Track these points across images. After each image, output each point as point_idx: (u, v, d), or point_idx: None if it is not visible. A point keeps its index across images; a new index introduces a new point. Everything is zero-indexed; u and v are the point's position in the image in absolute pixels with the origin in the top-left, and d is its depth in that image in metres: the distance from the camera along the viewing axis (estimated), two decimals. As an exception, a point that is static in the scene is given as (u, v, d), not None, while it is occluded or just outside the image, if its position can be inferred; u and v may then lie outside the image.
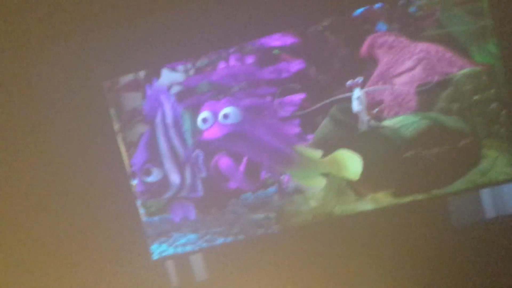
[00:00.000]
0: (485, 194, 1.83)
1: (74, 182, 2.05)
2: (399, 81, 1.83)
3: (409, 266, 1.88)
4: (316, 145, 1.88)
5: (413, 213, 1.86)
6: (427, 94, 1.81)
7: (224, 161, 1.93)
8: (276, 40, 1.87)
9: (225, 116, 1.80)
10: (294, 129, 1.88)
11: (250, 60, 1.90)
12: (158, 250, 2.03)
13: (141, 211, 2.02)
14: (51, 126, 2.04)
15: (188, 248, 2.01)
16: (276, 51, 1.88)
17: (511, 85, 1.76)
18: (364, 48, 1.84)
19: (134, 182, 1.92)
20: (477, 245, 1.84)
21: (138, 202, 2.02)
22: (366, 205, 1.87)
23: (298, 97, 1.87)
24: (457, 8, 1.76)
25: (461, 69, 1.79)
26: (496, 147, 1.79)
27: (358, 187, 1.88)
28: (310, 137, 1.89)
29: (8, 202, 2.08)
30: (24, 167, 2.06)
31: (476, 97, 1.78)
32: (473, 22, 1.76)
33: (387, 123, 1.83)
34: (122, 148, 2.00)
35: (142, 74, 1.97)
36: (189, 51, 1.93)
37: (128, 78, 1.98)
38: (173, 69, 1.95)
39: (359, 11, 1.83)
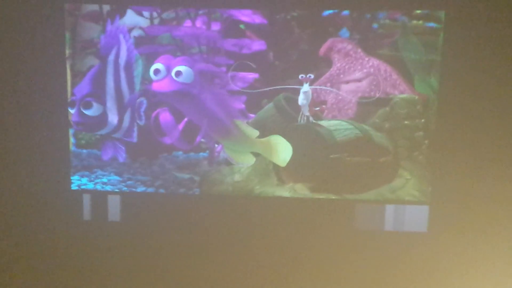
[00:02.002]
0: (389, 209, 1.99)
1: (12, 95, 2.01)
2: (345, 88, 1.92)
3: (308, 255, 2.02)
4: (255, 125, 1.94)
5: (324, 209, 1.98)
6: (366, 107, 1.91)
7: (165, 116, 1.93)
8: (245, 16, 1.89)
9: (178, 73, 1.81)
10: (239, 104, 1.92)
11: (216, 27, 1.90)
12: (78, 182, 2.03)
13: (72, 140, 2.01)
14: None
15: (108, 188, 2.03)
16: (242, 26, 1.90)
17: (440, 119, 1.89)
18: (323, 49, 1.89)
19: (72, 111, 1.90)
20: (372, 250, 2.00)
21: (71, 131, 2.00)
22: (284, 192, 1.96)
23: (251, 75, 1.91)
24: (415, 37, 1.86)
25: (401, 93, 1.89)
26: (411, 171, 1.92)
27: (281, 174, 1.97)
28: (252, 116, 1.94)
29: None
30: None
31: (406, 122, 1.90)
32: (425, 53, 1.86)
33: (324, 123, 1.92)
34: (68, 75, 1.96)
35: (107, 7, 1.92)
36: (159, -1, 1.91)
37: (92, 7, 1.93)
38: (139, 13, 1.92)
39: (327, 12, 1.88)
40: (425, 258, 1.98)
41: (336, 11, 1.87)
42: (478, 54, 1.86)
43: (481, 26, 1.84)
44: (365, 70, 1.90)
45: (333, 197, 1.95)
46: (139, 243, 2.06)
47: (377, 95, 1.90)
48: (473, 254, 1.95)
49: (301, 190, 1.96)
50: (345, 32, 1.88)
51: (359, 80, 1.90)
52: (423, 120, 1.90)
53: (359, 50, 1.89)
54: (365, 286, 1.99)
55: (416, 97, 1.89)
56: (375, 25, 1.87)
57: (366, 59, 1.90)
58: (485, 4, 1.82)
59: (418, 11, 1.85)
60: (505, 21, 1.83)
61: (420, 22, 1.85)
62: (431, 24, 1.84)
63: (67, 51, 1.95)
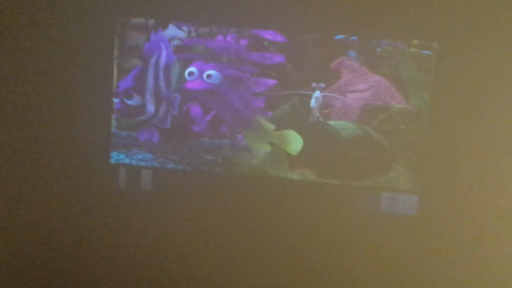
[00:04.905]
0: (385, 195, 2.20)
1: (67, 84, 2.25)
2: (351, 96, 2.11)
3: (312, 230, 2.22)
4: (272, 120, 2.16)
5: (328, 192, 2.20)
6: (368, 112, 2.11)
7: (195, 109, 2.16)
8: (269, 35, 2.09)
9: (209, 76, 2.07)
10: (259, 103, 2.14)
11: (243, 42, 2.11)
12: (116, 157, 2.23)
13: (113, 123, 2.22)
14: (62, 40, 2.20)
15: (142, 163, 2.22)
16: (266, 43, 2.10)
17: (430, 126, 2.09)
18: (333, 64, 2.09)
19: (116, 100, 2.17)
20: (368, 231, 2.18)
21: (114, 116, 2.21)
22: (294, 175, 2.17)
23: (271, 81, 2.11)
24: (411, 60, 2.04)
25: (398, 103, 2.09)
26: (404, 165, 2.12)
27: (292, 161, 2.17)
28: (270, 113, 2.15)
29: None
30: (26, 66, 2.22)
31: (402, 127, 2.10)
32: (419, 74, 2.05)
33: (331, 123, 2.14)
34: (115, 71, 2.18)
35: (152, 21, 2.13)
36: (197, 17, 2.12)
37: (139, 20, 2.14)
38: (179, 27, 2.13)
39: (339, 36, 2.07)
40: (414, 237, 2.17)
41: (346, 36, 2.08)
42: (464, 77, 2.07)
43: (467, 55, 2.04)
44: (368, 83, 2.09)
45: (336, 182, 2.16)
46: (167, 211, 2.26)
47: (378, 103, 2.10)
48: (454, 234, 2.18)
49: (309, 175, 2.17)
50: (352, 53, 2.07)
51: (363, 91, 2.10)
52: (416, 126, 2.10)
53: (364, 67, 2.09)
54: (358, 259, 2.20)
55: (410, 107, 2.08)
56: (378, 49, 2.06)
57: (370, 75, 2.09)
58: (472, 38, 2.02)
59: (415, 41, 2.05)
60: (486, 52, 2.03)
61: (417, 50, 2.03)
62: (426, 52, 2.03)
63: (115, 53, 2.18)
